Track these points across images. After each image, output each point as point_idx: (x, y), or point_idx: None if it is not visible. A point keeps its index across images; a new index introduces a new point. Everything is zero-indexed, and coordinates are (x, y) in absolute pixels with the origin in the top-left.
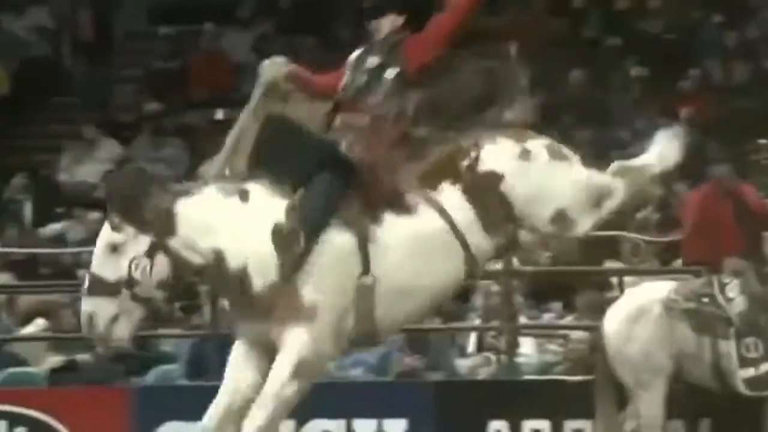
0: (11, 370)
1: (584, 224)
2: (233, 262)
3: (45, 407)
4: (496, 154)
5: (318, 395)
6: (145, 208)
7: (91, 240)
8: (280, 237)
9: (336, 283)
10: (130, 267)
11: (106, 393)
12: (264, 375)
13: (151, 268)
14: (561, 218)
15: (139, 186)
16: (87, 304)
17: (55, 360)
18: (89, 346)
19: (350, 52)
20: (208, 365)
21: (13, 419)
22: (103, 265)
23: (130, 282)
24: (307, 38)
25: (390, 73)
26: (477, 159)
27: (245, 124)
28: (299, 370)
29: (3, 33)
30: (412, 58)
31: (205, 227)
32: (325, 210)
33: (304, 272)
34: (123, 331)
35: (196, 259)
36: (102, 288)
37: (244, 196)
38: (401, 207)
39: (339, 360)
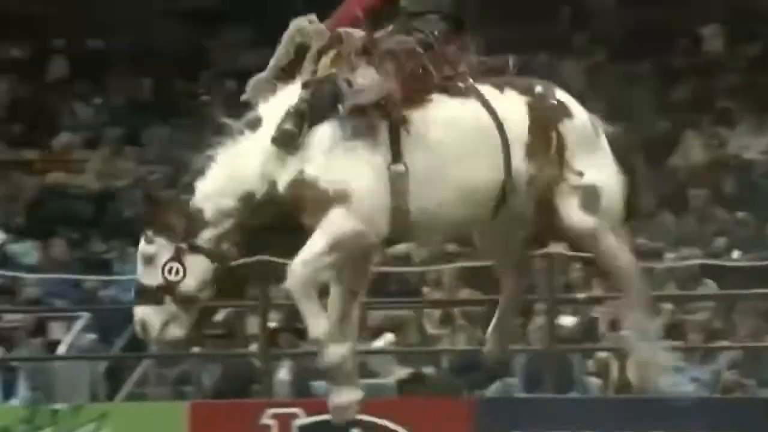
0: (362, 381)
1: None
2: (257, 187)
3: (394, 416)
4: (565, 96)
5: (649, 410)
6: (164, 217)
7: (432, 260)
8: (282, 136)
9: (363, 169)
10: (163, 273)
11: (451, 404)
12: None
13: (183, 270)
14: (593, 197)
15: (160, 199)
16: (137, 312)
17: (402, 372)
18: (434, 360)
19: (684, 78)
20: (543, 379)
21: (366, 428)
22: (144, 274)
23: (167, 288)
24: (642, 65)
25: None
26: (553, 90)
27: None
28: (331, 246)
29: None
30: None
31: (225, 177)
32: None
33: (327, 161)
34: (174, 333)
35: (229, 204)
36: (146, 296)
37: (254, 125)
38: (450, 90)
39: (672, 376)
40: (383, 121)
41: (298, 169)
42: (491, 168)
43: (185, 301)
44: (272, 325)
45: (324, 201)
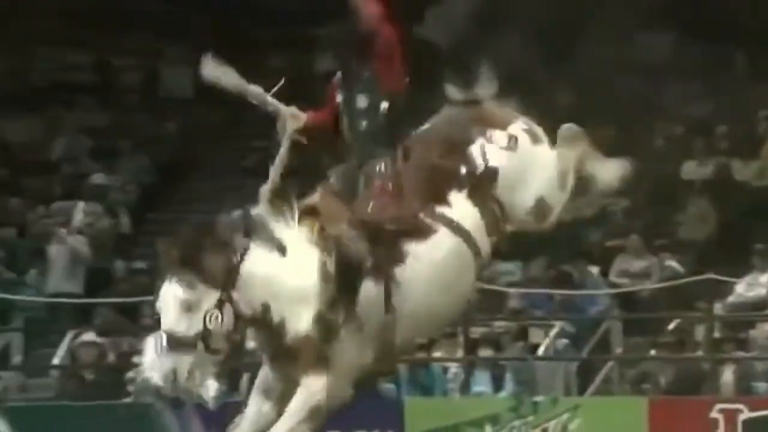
0: None
1: (557, 210)
2: (275, 316)
3: None
4: (489, 149)
5: None
6: (207, 264)
7: None
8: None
9: (355, 329)
10: (205, 321)
11: None
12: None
13: (222, 320)
14: (540, 207)
15: (200, 242)
16: (168, 361)
17: None
18: None
19: None
20: None
21: None
22: (178, 321)
23: (205, 335)
24: None
25: (383, 108)
26: (473, 159)
27: (280, 160)
28: (310, 415)
29: None
30: (389, 88)
31: (256, 282)
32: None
33: (329, 324)
34: (209, 387)
35: (248, 312)
36: (180, 343)
37: (281, 250)
38: (419, 233)
39: None
40: (378, 281)
41: (307, 325)
42: (469, 278)
43: (215, 351)
44: (716, 335)
45: (314, 357)
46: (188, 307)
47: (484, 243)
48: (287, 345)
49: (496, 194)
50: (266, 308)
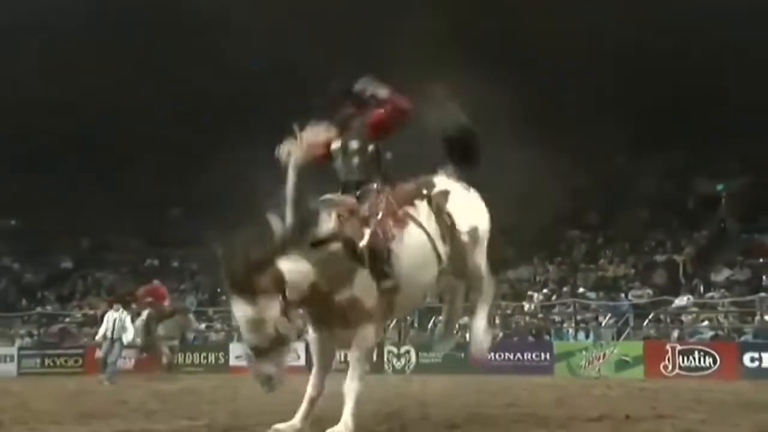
0: None
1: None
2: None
3: None
4: (444, 182)
5: None
6: (259, 280)
7: None
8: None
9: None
10: (276, 330)
11: None
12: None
13: (290, 322)
14: (474, 233)
15: (252, 262)
16: (263, 369)
17: None
18: None
19: None
20: None
21: None
22: (256, 337)
23: (281, 341)
24: None
25: (371, 150)
26: (432, 184)
27: (289, 187)
28: (369, 356)
29: None
30: (374, 136)
31: (301, 276)
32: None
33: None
34: (284, 374)
35: (297, 297)
36: (265, 354)
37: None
38: (401, 223)
39: None
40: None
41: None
42: (433, 265)
43: (288, 346)
44: None
45: (361, 313)
46: (259, 324)
47: (442, 247)
48: (338, 307)
49: (447, 209)
50: (315, 288)
